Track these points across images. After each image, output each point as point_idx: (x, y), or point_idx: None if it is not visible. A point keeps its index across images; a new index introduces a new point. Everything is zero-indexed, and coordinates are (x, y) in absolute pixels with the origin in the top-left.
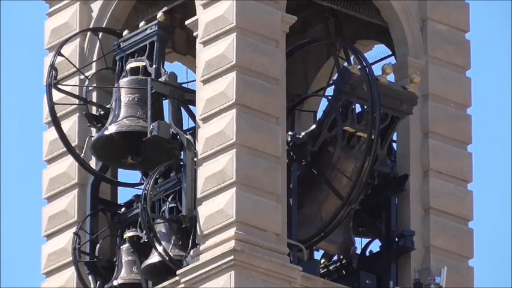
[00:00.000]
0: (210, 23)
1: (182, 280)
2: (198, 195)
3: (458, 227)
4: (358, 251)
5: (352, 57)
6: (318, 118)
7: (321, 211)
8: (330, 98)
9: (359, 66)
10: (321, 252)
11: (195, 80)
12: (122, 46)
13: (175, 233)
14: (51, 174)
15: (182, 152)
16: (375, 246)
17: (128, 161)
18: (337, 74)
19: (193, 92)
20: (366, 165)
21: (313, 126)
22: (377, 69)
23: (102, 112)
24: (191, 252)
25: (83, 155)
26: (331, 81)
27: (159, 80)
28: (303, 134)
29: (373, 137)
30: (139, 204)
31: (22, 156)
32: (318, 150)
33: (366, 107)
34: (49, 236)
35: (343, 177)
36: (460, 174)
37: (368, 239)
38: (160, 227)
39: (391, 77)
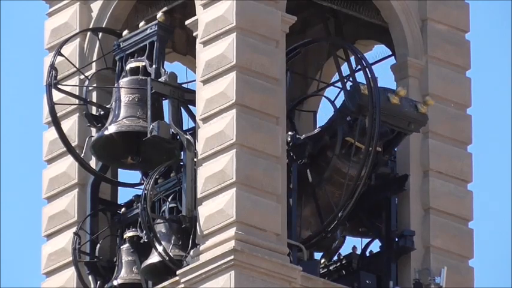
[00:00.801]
0: (210, 23)
1: (182, 280)
2: (198, 195)
3: (458, 227)
4: (358, 251)
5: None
6: (322, 124)
7: (301, 217)
8: (338, 108)
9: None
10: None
11: (195, 80)
12: (121, 46)
13: (175, 233)
14: (51, 174)
15: (182, 152)
16: (375, 246)
17: (128, 161)
18: (346, 95)
19: (193, 92)
20: (355, 195)
21: (316, 130)
22: (377, 70)
23: (102, 112)
24: (191, 252)
25: (83, 155)
26: (333, 82)
27: (159, 80)
28: (304, 136)
29: (370, 148)
30: (139, 204)
31: (22, 156)
32: (316, 154)
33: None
34: (49, 236)
35: (328, 194)
36: (460, 174)
37: (368, 239)
38: (160, 227)
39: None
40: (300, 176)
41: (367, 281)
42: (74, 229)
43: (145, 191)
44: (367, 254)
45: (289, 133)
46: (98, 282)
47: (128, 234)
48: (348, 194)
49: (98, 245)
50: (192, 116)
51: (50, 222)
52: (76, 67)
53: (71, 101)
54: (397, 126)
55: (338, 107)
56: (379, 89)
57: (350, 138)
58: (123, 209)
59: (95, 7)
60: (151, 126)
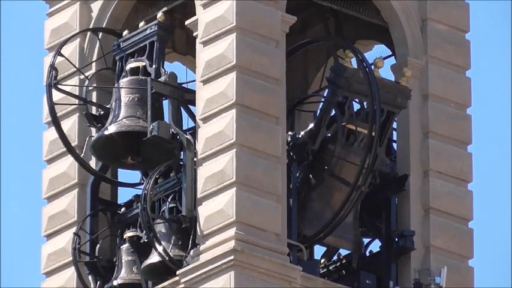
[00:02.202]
0: (210, 23)
1: (182, 280)
2: (198, 195)
3: (458, 227)
4: None
5: (346, 53)
6: (317, 116)
7: (330, 203)
8: (325, 95)
9: (353, 59)
10: (321, 252)
11: (195, 80)
12: (121, 46)
13: (175, 233)
14: (51, 174)
15: (182, 152)
16: (375, 246)
17: (128, 161)
18: (330, 71)
19: (193, 92)
20: (372, 151)
21: (311, 125)
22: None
23: (102, 112)
24: (191, 252)
25: (83, 155)
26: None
27: (159, 80)
28: (302, 133)
29: (374, 135)
30: (139, 204)
31: (22, 156)
32: (318, 150)
33: (362, 101)
34: (49, 236)
35: (347, 165)
36: (460, 174)
37: (368, 239)
38: (160, 227)
39: (382, 72)
40: (308, 175)
41: (367, 281)
42: (74, 229)
43: (145, 191)
44: (367, 254)
45: (289, 133)
46: (98, 282)
47: (128, 234)
48: (362, 162)
49: (98, 245)
50: (192, 116)
51: (50, 222)
52: (76, 67)
53: (71, 101)
54: (385, 102)
55: (326, 94)
56: (370, 66)
57: (348, 124)
58: (123, 209)
59: (95, 7)
60: (151, 126)
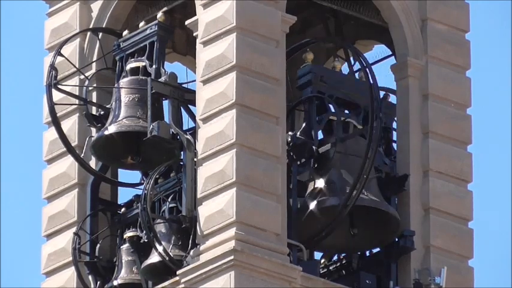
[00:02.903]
0: (210, 23)
1: (182, 280)
2: (198, 195)
3: (458, 227)
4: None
5: (304, 56)
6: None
7: (357, 154)
8: (303, 98)
9: (311, 58)
10: (321, 252)
11: (195, 80)
12: (121, 46)
13: (175, 233)
14: (51, 174)
15: (182, 152)
16: None
17: (127, 161)
18: (297, 81)
19: (193, 92)
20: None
21: (304, 124)
22: (377, 70)
23: (102, 112)
24: (191, 252)
25: (83, 155)
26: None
27: (159, 80)
28: (298, 133)
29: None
30: (139, 204)
31: (22, 156)
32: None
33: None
34: (49, 236)
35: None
36: (460, 174)
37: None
38: (160, 227)
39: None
40: (317, 163)
41: (367, 281)
42: (74, 229)
43: (145, 191)
44: (367, 254)
45: (289, 133)
46: (98, 282)
47: (128, 234)
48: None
49: (98, 245)
50: (192, 116)
51: (50, 222)
52: (76, 67)
53: (71, 101)
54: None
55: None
56: (370, 66)
57: (333, 117)
58: (123, 209)
59: (95, 7)
60: (151, 126)
